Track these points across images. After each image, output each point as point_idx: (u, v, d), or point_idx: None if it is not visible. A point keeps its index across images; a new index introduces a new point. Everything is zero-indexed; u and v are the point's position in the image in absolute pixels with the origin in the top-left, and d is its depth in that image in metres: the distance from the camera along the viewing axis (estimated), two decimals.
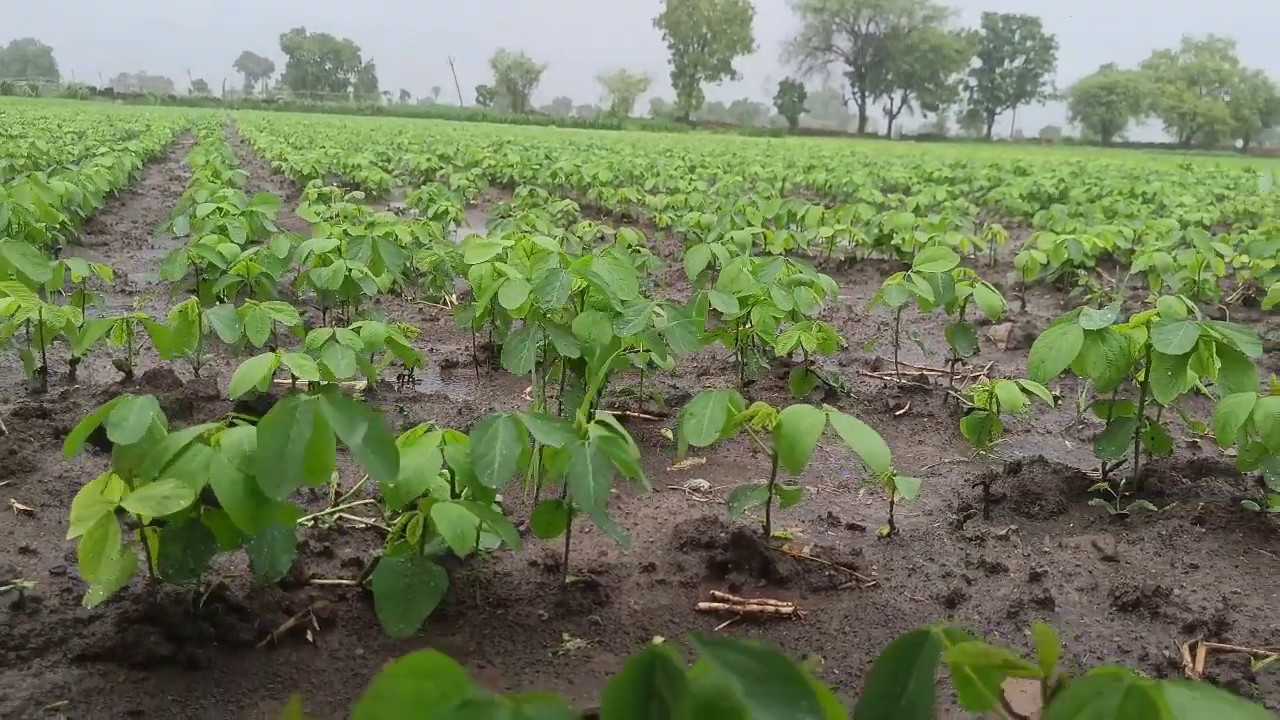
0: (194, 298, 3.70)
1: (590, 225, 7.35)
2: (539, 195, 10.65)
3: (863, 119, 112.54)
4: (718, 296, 3.44)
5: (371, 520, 2.76)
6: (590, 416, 2.35)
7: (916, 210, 11.26)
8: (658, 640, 2.25)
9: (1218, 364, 2.77)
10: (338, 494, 2.89)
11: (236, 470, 1.92)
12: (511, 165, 16.03)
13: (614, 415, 3.83)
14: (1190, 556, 2.64)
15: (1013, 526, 2.81)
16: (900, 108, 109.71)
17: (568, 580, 2.43)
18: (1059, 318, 2.92)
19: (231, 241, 5.41)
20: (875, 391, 4.34)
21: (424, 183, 14.07)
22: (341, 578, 2.44)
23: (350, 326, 3.73)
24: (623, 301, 3.11)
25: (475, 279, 4.01)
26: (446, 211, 9.23)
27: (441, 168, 15.84)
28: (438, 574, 2.16)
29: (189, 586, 2.18)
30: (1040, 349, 2.80)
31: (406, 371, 4.34)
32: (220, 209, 6.22)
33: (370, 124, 43.25)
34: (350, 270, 4.66)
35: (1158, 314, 2.89)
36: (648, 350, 3.55)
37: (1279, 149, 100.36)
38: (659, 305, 3.14)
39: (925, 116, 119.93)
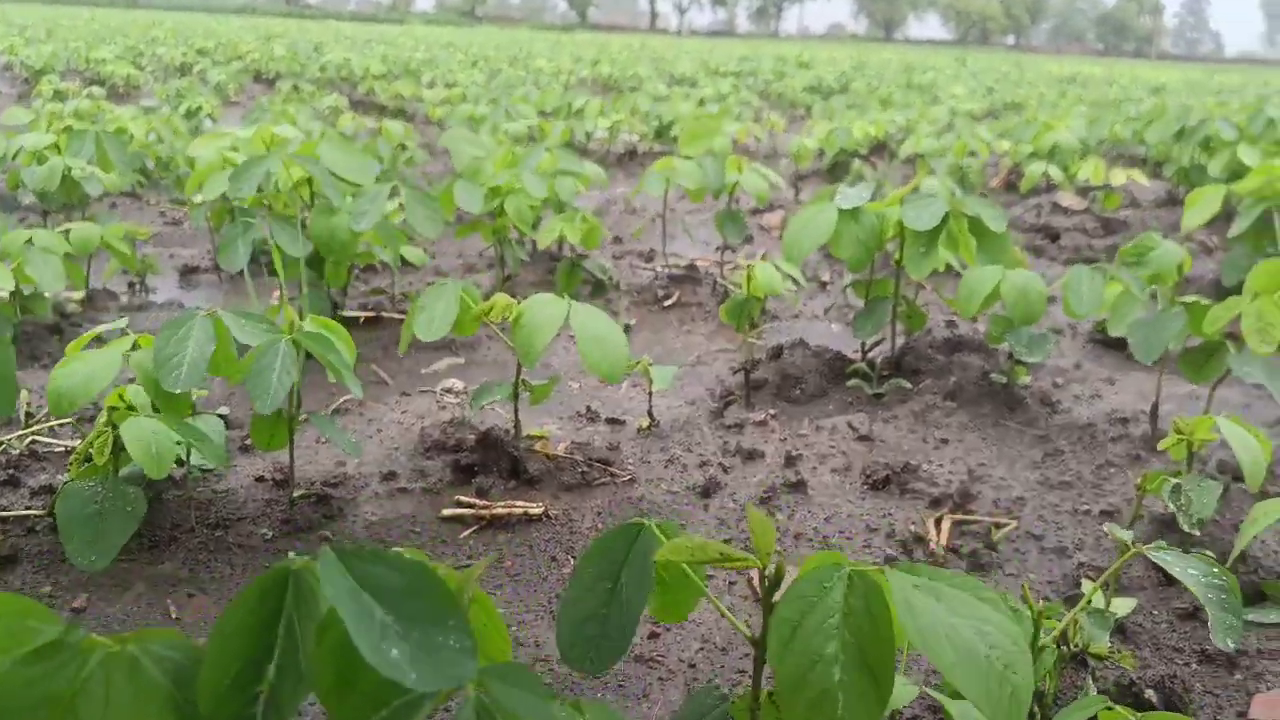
0: None
1: (353, 118, 6.90)
2: (304, 90, 10.00)
3: (653, 15, 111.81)
4: (462, 188, 3.21)
5: (74, 443, 2.45)
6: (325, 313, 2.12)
7: (701, 103, 11.19)
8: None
9: (974, 243, 2.76)
10: (29, 415, 2.55)
11: None
12: (277, 59, 15.03)
13: (366, 316, 3.60)
14: (941, 432, 2.65)
15: (772, 412, 2.76)
16: (690, 3, 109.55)
17: (296, 495, 2.22)
18: (815, 195, 2.85)
19: None
20: (647, 282, 4.23)
21: (179, 78, 13.01)
22: (30, 508, 2.15)
23: (59, 229, 3.32)
24: (357, 186, 2.84)
25: (201, 170, 3.63)
26: (200, 108, 8.52)
27: (199, 62, 14.70)
28: (134, 497, 1.90)
29: None
30: (794, 228, 2.72)
31: (137, 279, 3.94)
32: None
33: (123, 17, 39.82)
34: (70, 169, 4.16)
35: (913, 189, 2.85)
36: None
37: (1044, 46, 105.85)
38: (396, 186, 2.89)
39: (716, 13, 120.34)
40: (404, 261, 3.55)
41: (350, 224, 2.86)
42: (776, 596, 1.14)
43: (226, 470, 2.25)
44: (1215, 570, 1.35)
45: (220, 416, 2.48)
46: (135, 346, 1.97)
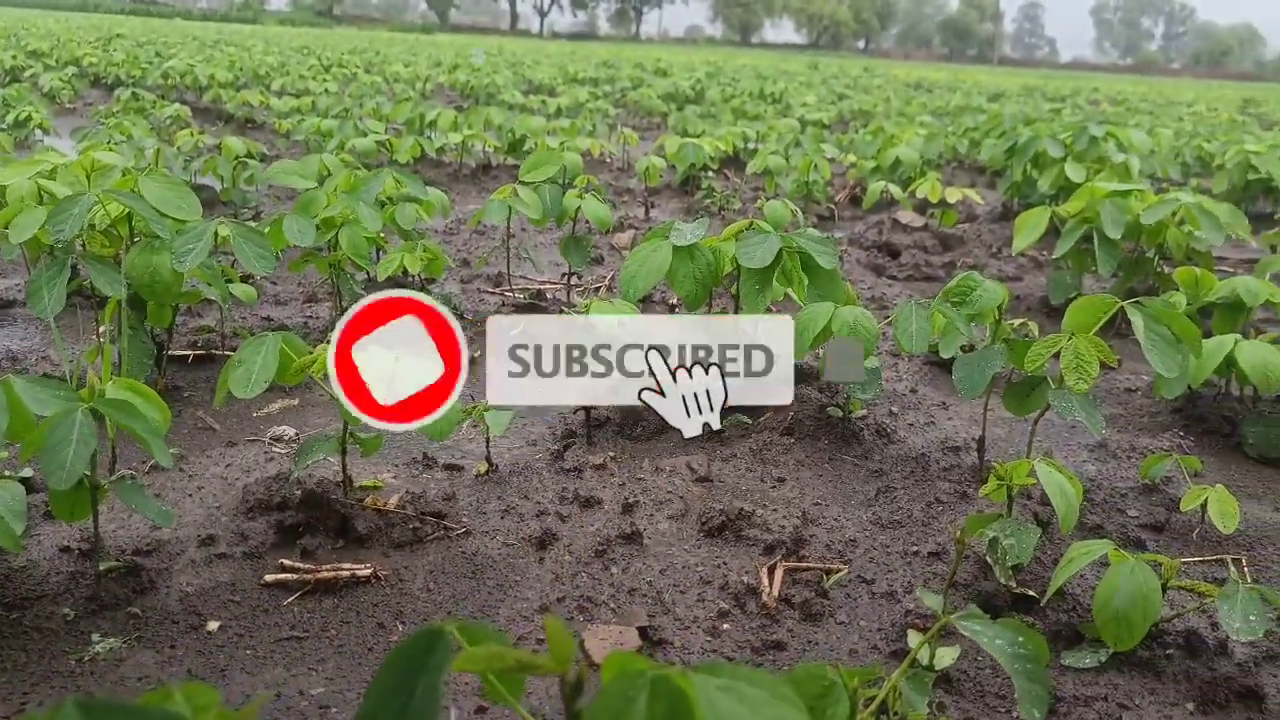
0: None
1: (192, 134, 6.61)
2: (144, 99, 9.55)
3: (514, 16, 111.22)
4: (292, 222, 3.09)
5: None
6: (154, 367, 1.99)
7: (558, 112, 11.14)
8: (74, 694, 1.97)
9: (806, 279, 2.78)
10: None
11: None
12: (117, 64, 14.36)
13: (196, 354, 3.44)
14: (778, 470, 2.67)
15: (611, 453, 2.73)
16: (551, 5, 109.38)
17: (103, 567, 2.09)
18: (650, 232, 2.83)
19: None
20: (493, 311, 4.16)
21: (9, 84, 12.29)
22: None
23: None
24: (182, 223, 2.70)
25: (14, 202, 3.40)
26: (30, 118, 8.06)
27: (31, 66, 13.93)
28: None
29: None
30: (631, 266, 2.70)
31: None
32: None
33: None
34: None
35: (748, 225, 2.87)
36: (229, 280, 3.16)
37: (893, 51, 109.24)
38: (222, 223, 2.76)
39: (576, 15, 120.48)
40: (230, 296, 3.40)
41: (173, 263, 2.72)
42: (580, 703, 1.10)
43: (15, 553, 2.09)
44: (1022, 639, 1.37)
45: (22, 480, 2.33)
46: None
